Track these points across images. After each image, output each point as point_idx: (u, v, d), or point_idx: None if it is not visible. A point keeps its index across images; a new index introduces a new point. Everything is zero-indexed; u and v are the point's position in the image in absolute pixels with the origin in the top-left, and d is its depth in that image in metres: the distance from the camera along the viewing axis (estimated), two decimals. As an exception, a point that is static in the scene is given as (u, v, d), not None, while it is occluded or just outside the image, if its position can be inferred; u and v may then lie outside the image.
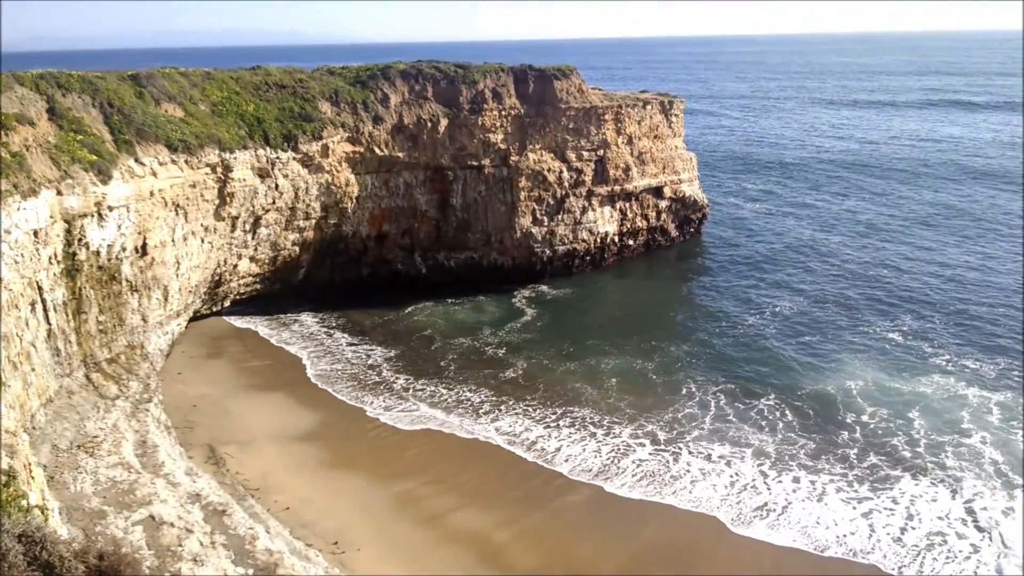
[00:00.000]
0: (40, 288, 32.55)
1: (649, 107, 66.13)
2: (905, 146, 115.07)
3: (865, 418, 39.15)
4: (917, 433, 37.55)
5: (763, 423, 38.94)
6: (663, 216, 67.85)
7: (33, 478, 14.43)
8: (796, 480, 33.81)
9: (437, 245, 60.19)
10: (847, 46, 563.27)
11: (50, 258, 33.46)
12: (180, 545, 23.84)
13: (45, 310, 33.05)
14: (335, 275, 58.11)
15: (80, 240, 35.68)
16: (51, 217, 33.40)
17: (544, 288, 59.27)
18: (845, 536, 29.89)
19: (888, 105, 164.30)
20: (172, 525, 24.91)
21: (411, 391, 42.77)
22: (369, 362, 46.61)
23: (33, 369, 30.95)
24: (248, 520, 27.15)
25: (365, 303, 55.53)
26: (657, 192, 66.73)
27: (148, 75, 47.44)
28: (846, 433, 37.76)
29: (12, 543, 5.16)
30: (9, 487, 9.83)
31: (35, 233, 32.06)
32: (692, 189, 69.77)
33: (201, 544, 24.16)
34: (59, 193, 34.15)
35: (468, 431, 38.40)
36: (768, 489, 33.13)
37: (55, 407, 32.16)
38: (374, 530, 29.71)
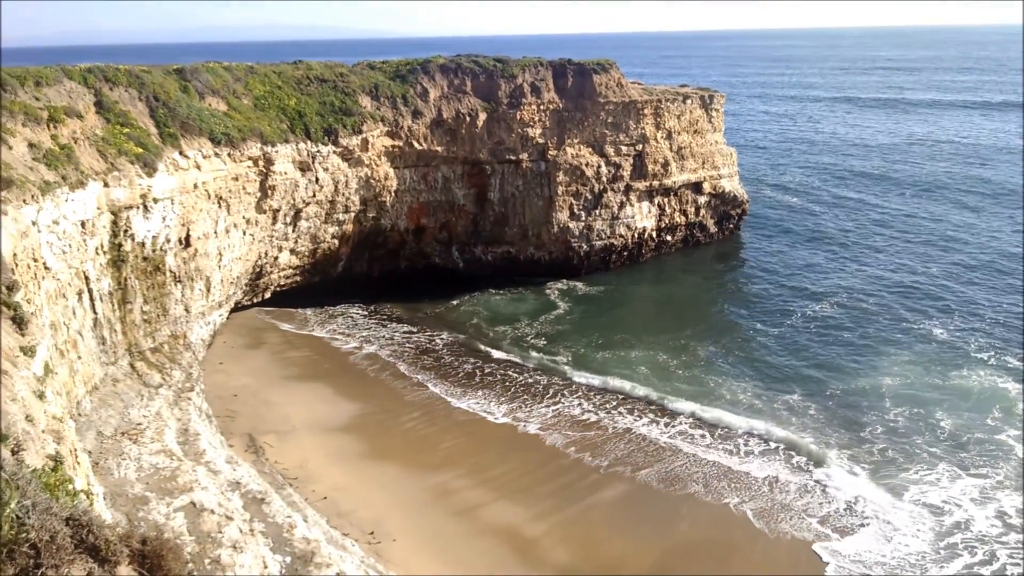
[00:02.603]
0: (87, 278, 33.31)
1: (689, 101, 65.55)
2: (953, 143, 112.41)
3: (898, 413, 38.93)
4: (947, 429, 37.39)
5: (799, 420, 38.68)
6: (702, 212, 67.27)
7: (79, 463, 14.79)
8: (830, 476, 33.66)
9: (474, 239, 60.37)
10: (874, 41, 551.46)
11: (97, 249, 34.22)
12: (220, 532, 24.27)
13: (91, 299, 33.82)
14: (373, 268, 58.61)
15: (126, 231, 36.43)
16: (98, 208, 34.15)
17: (579, 284, 59.10)
18: (877, 533, 29.54)
19: (928, 105, 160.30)
20: (213, 512, 25.37)
21: (442, 382, 43.04)
22: (407, 352, 46.93)
23: (79, 357, 31.70)
24: (286, 508, 27.55)
25: (403, 295, 56.00)
26: (696, 187, 66.17)
27: (193, 69, 48.20)
28: (878, 428, 37.62)
29: (60, 526, 5.31)
30: (56, 471, 10.10)
31: (82, 224, 32.81)
32: (732, 184, 69.05)
33: (241, 531, 24.57)
34: (106, 185, 34.89)
35: (502, 421, 38.56)
36: (805, 486, 32.85)
37: (100, 394, 32.92)
38: (409, 521, 29.96)
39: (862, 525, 30.34)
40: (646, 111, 62.18)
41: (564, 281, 59.25)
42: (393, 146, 55.12)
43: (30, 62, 48.44)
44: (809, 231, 72.13)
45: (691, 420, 38.71)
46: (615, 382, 42.86)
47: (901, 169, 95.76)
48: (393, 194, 55.93)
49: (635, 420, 38.82)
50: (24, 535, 5.12)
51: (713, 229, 68.46)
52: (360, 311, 53.96)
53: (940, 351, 46.11)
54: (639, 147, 62.04)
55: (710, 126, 67.22)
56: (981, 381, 42.16)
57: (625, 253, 62.95)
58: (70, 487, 9.71)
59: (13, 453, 9.37)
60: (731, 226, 70.14)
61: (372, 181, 54.22)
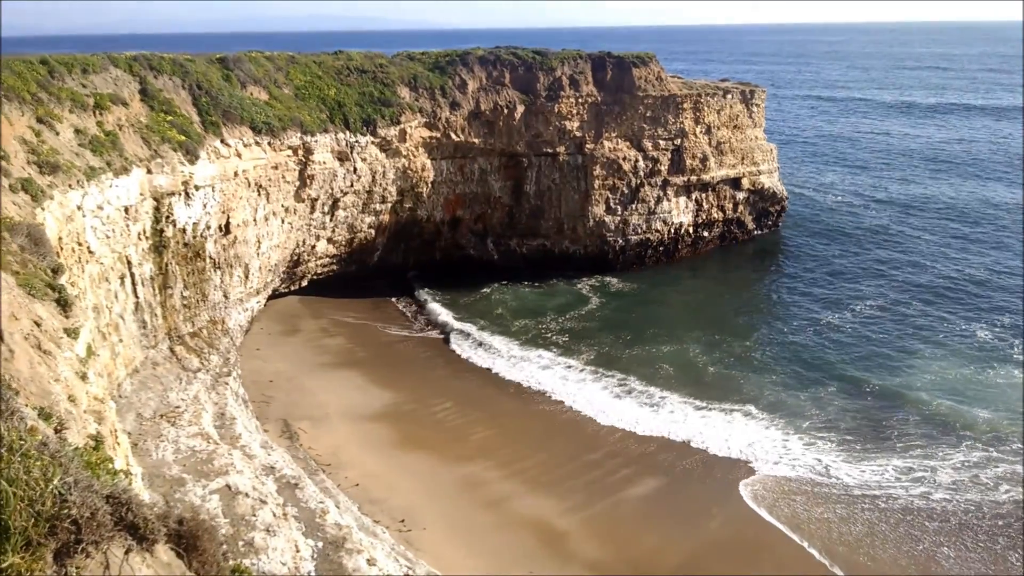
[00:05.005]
0: (129, 262, 33.89)
1: (729, 96, 64.82)
2: (1005, 140, 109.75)
3: (931, 409, 38.86)
4: (981, 423, 37.36)
5: (825, 417, 38.51)
6: (740, 208, 66.51)
7: (119, 444, 15.07)
8: (861, 476, 33.39)
9: (509, 231, 60.37)
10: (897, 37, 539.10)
11: (139, 234, 34.79)
12: (254, 515, 24.61)
13: (133, 284, 34.42)
14: (408, 258, 58.91)
15: (168, 217, 37.00)
16: (141, 195, 34.71)
17: (612, 279, 58.75)
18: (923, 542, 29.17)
19: (965, 109, 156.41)
20: (247, 495, 25.72)
21: (474, 373, 43.17)
22: (441, 341, 47.15)
23: (121, 340, 32.30)
24: (319, 494, 27.85)
25: (438, 285, 56.22)
26: (735, 183, 65.44)
27: (235, 59, 48.76)
28: (910, 419, 37.94)
29: (100, 503, 5.42)
30: (97, 451, 10.31)
31: (126, 209, 33.37)
32: (771, 181, 68.18)
33: (274, 515, 24.89)
34: (149, 172, 35.43)
35: (536, 413, 38.60)
36: (835, 489, 32.55)
37: (140, 377, 33.53)
38: (440, 511, 30.14)
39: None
40: (685, 105, 61.62)
41: (597, 276, 58.95)
42: (431, 137, 55.29)
43: (75, 49, 49.30)
44: (848, 231, 70.82)
45: (714, 419, 38.44)
46: (637, 381, 42.62)
47: (947, 169, 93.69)
48: (430, 185, 56.14)
49: (660, 418, 38.62)
50: (66, 511, 5.23)
51: (751, 226, 67.66)
52: (395, 300, 54.31)
53: (981, 352, 45.30)
54: (677, 141, 61.51)
55: (750, 121, 66.42)
56: (1020, 382, 41.61)
57: (661, 249, 62.51)
58: (110, 466, 9.90)
59: (56, 432, 9.58)
60: (770, 223, 69.25)
61: (409, 172, 54.45)
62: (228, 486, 26.13)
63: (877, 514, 30.66)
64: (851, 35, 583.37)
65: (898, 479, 32.87)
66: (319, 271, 53.79)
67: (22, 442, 6.08)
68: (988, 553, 28.49)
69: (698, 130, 62.51)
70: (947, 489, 32.07)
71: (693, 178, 62.39)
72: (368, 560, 23.97)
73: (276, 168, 45.62)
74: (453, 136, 55.95)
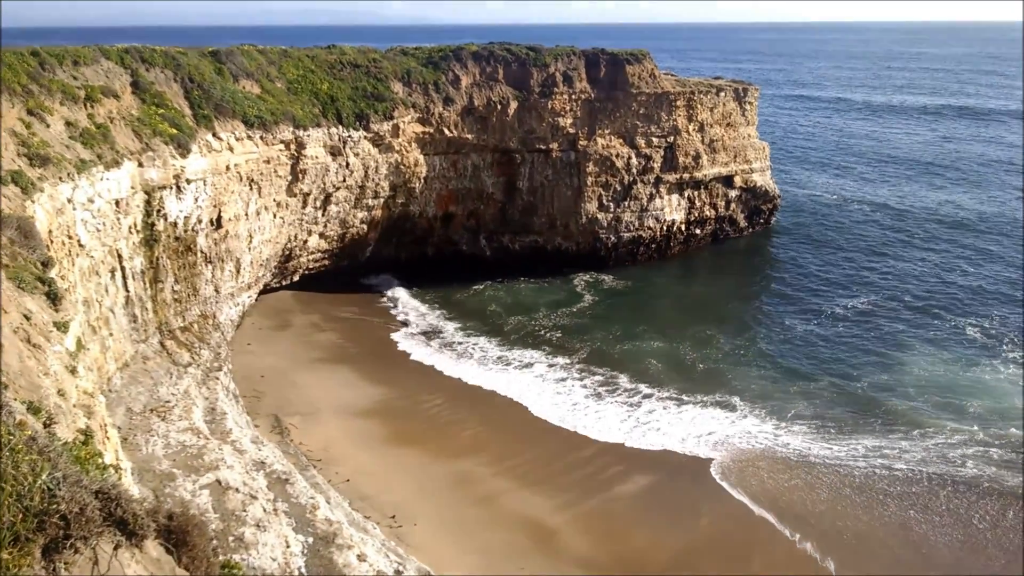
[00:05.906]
0: (120, 256, 33.74)
1: (722, 94, 64.87)
2: (993, 143, 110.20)
3: (916, 403, 39.36)
4: (969, 416, 37.96)
5: (813, 410, 38.94)
6: (732, 206, 66.63)
7: (108, 438, 14.99)
8: (829, 451, 34.79)
9: (502, 228, 60.30)
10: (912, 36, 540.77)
11: (130, 227, 34.63)
12: (244, 510, 24.57)
13: (124, 278, 34.27)
14: (401, 253, 58.79)
15: (159, 211, 36.84)
16: (132, 188, 34.54)
17: (605, 276, 58.80)
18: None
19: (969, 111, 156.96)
20: (237, 491, 25.66)
21: (466, 369, 43.16)
22: (432, 338, 47.11)
23: (111, 334, 32.16)
24: (309, 490, 27.81)
25: (430, 281, 56.08)
26: (727, 181, 65.54)
27: (228, 52, 48.53)
28: (898, 408, 38.81)
29: (89, 498, 5.38)
30: (86, 445, 10.25)
31: (116, 203, 33.20)
32: (763, 179, 68.31)
33: (264, 510, 24.85)
34: (140, 165, 35.26)
35: (525, 410, 38.60)
36: (793, 458, 34.20)
37: (131, 371, 33.40)
38: (431, 507, 30.12)
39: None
40: (679, 103, 61.65)
41: (592, 273, 58.93)
42: (424, 132, 55.17)
43: (69, 41, 49.03)
44: (840, 231, 70.98)
45: (699, 414, 38.66)
46: (626, 378, 42.66)
47: (941, 173, 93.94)
48: (422, 181, 56.03)
49: (650, 415, 38.70)
50: (54, 506, 5.20)
51: (743, 224, 67.80)
52: (387, 296, 54.22)
53: (970, 350, 45.68)
54: (670, 139, 61.56)
55: (743, 119, 66.50)
56: (1006, 378, 42.07)
57: (653, 246, 62.58)
58: (99, 461, 9.85)
59: (45, 426, 9.53)
60: (761, 221, 69.39)
61: (402, 167, 54.34)
62: (218, 481, 26.07)
63: (838, 479, 32.58)
64: (843, 34, 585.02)
65: (864, 456, 34.52)
66: (311, 266, 53.65)
67: (10, 436, 6.03)
68: (953, 516, 30.13)
69: (691, 128, 62.56)
70: (913, 463, 33.61)
71: (686, 176, 62.45)
72: (358, 556, 23.97)
73: (268, 162, 45.46)
74: (446, 131, 55.85)
